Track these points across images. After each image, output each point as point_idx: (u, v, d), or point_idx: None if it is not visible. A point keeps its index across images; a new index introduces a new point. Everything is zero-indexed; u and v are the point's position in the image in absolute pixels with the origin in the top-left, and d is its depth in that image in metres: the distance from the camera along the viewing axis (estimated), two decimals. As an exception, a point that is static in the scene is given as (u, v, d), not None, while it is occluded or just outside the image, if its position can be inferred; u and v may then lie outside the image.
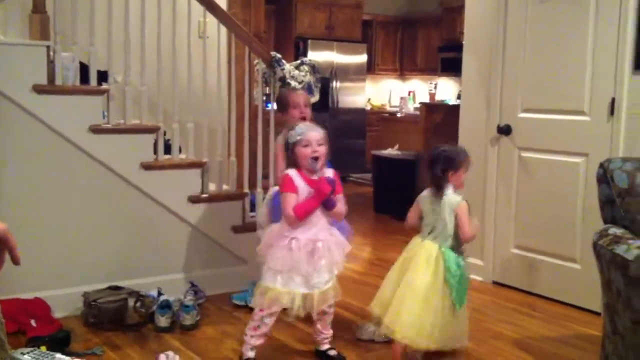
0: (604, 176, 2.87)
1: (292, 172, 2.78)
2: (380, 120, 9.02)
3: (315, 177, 2.78)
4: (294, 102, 3.35)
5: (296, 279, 2.74)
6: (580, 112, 3.72)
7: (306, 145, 2.75)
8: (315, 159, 2.75)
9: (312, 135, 2.77)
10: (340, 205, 2.83)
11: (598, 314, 3.63)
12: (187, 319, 3.34)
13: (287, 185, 2.76)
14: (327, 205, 2.78)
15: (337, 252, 2.83)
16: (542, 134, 3.94)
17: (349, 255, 2.99)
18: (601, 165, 2.91)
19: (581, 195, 3.74)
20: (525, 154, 4.05)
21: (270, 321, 2.84)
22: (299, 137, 2.76)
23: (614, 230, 2.66)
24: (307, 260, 2.73)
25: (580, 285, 3.76)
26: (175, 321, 3.35)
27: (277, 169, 3.25)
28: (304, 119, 3.23)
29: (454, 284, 2.86)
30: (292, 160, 2.81)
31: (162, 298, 3.38)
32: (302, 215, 2.72)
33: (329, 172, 2.83)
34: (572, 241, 3.81)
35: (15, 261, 1.41)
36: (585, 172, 3.69)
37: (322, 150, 2.78)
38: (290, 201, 2.73)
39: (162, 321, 3.30)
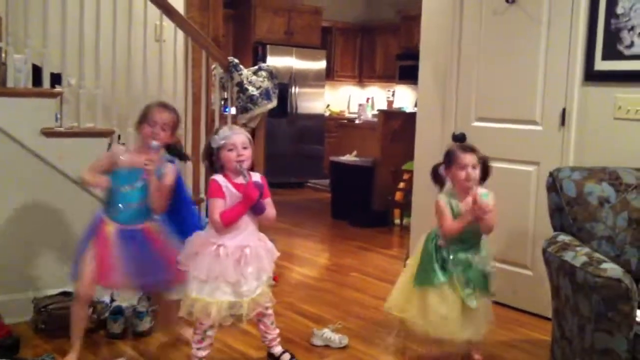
0: (554, 185, 2.94)
1: (219, 178, 2.74)
2: (338, 127, 9.07)
3: (242, 181, 2.74)
4: (151, 120, 2.90)
5: (223, 288, 2.69)
6: (533, 122, 3.80)
7: (231, 149, 2.72)
8: (241, 162, 2.72)
9: (236, 139, 2.73)
10: (270, 209, 2.81)
11: (549, 319, 3.71)
12: (140, 325, 3.30)
13: (215, 190, 2.71)
14: (256, 209, 2.74)
15: (266, 259, 2.81)
16: (495, 143, 4.00)
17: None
18: (551, 174, 2.98)
19: (533, 203, 3.82)
20: (478, 162, 4.11)
21: (213, 333, 2.80)
22: (222, 142, 2.72)
23: (563, 238, 2.74)
24: (235, 267, 2.68)
25: (532, 291, 3.83)
26: (127, 328, 3.31)
27: (89, 168, 2.94)
28: (153, 138, 2.88)
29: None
30: (217, 165, 2.77)
31: (115, 304, 3.34)
32: (228, 221, 2.68)
33: (256, 176, 2.82)
34: (524, 248, 3.88)
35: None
36: (537, 180, 3.77)
37: (248, 153, 2.75)
38: (218, 207, 2.69)
39: (115, 327, 3.25)
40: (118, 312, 3.29)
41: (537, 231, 3.77)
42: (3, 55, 3.34)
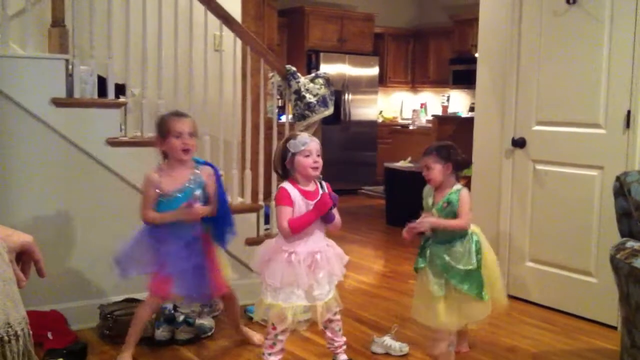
0: (621, 189, 2.87)
1: (287, 185, 2.77)
2: (391, 133, 9.03)
3: (310, 189, 2.78)
4: (176, 131, 2.89)
5: (297, 293, 2.73)
6: (596, 125, 3.71)
7: (307, 155, 2.75)
8: (315, 168, 2.76)
9: (313, 146, 2.77)
10: (337, 217, 2.83)
11: (614, 327, 3.62)
12: (180, 334, 3.35)
13: (283, 198, 2.74)
14: (327, 218, 2.77)
15: (336, 263, 2.83)
16: (557, 147, 3.94)
17: (353, 266, 2.98)
18: (617, 179, 2.91)
19: (597, 208, 3.73)
20: (540, 167, 4.04)
21: (284, 337, 2.83)
22: (302, 147, 2.75)
23: (632, 244, 2.66)
24: (307, 273, 2.72)
25: (596, 298, 3.74)
26: (196, 334, 3.37)
27: (143, 207, 2.96)
28: (187, 150, 2.92)
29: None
30: (289, 170, 2.80)
31: (169, 311, 3.38)
32: (297, 229, 2.70)
33: (323, 184, 2.83)
34: (588, 254, 3.79)
35: (41, 274, 1.43)
36: (601, 185, 3.68)
37: (321, 161, 2.79)
38: (286, 214, 2.72)
39: (158, 334, 3.30)
40: (170, 320, 3.33)
41: (601, 237, 3.68)
42: (70, 67, 3.44)
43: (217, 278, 3.05)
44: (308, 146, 2.75)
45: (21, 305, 1.30)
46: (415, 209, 6.89)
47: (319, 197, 2.75)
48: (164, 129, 2.92)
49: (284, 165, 2.81)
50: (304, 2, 8.89)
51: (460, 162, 3.10)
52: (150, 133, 3.71)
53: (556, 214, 3.95)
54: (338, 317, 2.96)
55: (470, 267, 3.01)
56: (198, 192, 2.97)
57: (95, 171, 3.47)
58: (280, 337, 2.81)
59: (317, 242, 2.78)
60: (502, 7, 4.22)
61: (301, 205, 2.74)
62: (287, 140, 2.81)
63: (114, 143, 3.50)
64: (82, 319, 3.44)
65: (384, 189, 7.33)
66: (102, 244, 3.52)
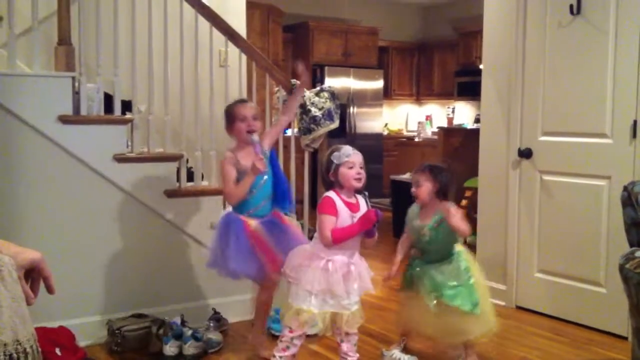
0: (629, 199, 2.86)
1: (333, 195, 2.79)
2: (397, 145, 9.05)
3: (351, 200, 2.80)
4: (241, 115, 3.14)
5: (329, 301, 2.74)
6: (602, 135, 3.71)
7: (351, 167, 2.77)
8: (358, 179, 2.78)
9: (356, 158, 2.80)
10: (376, 234, 2.84)
11: (624, 338, 3.59)
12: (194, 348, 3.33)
13: (328, 207, 2.76)
14: (370, 233, 2.79)
15: (367, 278, 2.85)
16: (563, 157, 3.93)
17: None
18: (625, 188, 2.90)
19: (605, 218, 3.72)
20: (547, 177, 4.03)
21: (299, 342, 2.82)
22: (346, 159, 2.78)
23: (641, 253, 2.64)
24: (342, 282, 2.73)
25: (606, 309, 3.72)
26: (204, 349, 3.36)
27: (227, 184, 3.12)
28: (252, 132, 3.13)
29: None
30: (333, 181, 2.82)
31: (177, 327, 3.37)
32: (339, 240, 2.72)
33: (360, 197, 2.84)
34: (597, 264, 3.77)
35: (50, 291, 1.43)
36: (609, 194, 3.67)
37: (364, 174, 2.81)
38: (329, 223, 2.73)
39: (167, 350, 3.27)
40: (178, 335, 3.31)
41: (610, 247, 3.67)
42: (76, 84, 3.46)
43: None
44: (351, 158, 2.78)
45: (30, 322, 1.30)
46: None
47: (363, 211, 2.76)
48: (230, 115, 3.17)
49: (328, 176, 2.84)
50: (309, 17, 8.94)
51: (446, 186, 3.14)
52: (157, 149, 3.75)
53: (564, 224, 3.94)
54: (356, 330, 2.95)
55: (461, 283, 3.06)
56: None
57: (102, 187, 3.48)
58: (295, 342, 2.81)
59: (353, 255, 2.80)
60: (506, 19, 4.23)
61: (345, 216, 2.76)
62: (332, 152, 2.85)
63: (120, 159, 3.51)
64: (90, 335, 3.44)
65: (390, 202, 7.32)
66: (110, 259, 3.53)
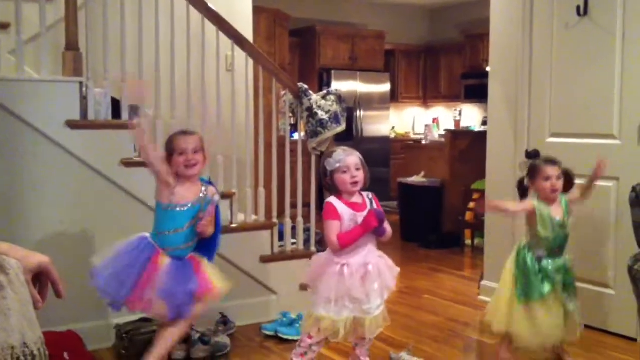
0: (637, 200, 2.85)
1: (334, 200, 2.78)
2: (404, 148, 9.02)
3: (355, 200, 2.78)
4: (179, 148, 2.89)
5: (349, 306, 2.71)
6: (610, 136, 3.70)
7: (345, 172, 2.75)
8: (354, 183, 2.76)
9: (349, 161, 2.76)
10: (389, 229, 2.81)
11: (633, 339, 3.57)
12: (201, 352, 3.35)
13: (330, 212, 2.75)
14: (378, 233, 2.77)
15: (388, 275, 2.82)
16: (571, 159, 3.88)
17: (397, 278, 2.94)
18: (634, 189, 2.90)
19: (613, 219, 3.70)
20: (553, 179, 4.01)
21: (317, 349, 2.81)
22: (338, 165, 2.76)
23: (650, 255, 2.64)
24: (361, 285, 2.70)
25: (615, 310, 3.70)
26: (212, 353, 3.36)
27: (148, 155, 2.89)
28: (190, 166, 2.90)
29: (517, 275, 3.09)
30: (332, 187, 2.81)
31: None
32: (346, 244, 2.71)
33: (366, 195, 2.83)
34: (605, 266, 3.76)
35: (59, 295, 1.43)
36: (617, 196, 3.66)
37: (361, 175, 2.78)
38: (334, 228, 2.72)
39: (174, 353, 3.28)
40: (185, 338, 3.29)
41: (619, 248, 3.65)
42: (84, 89, 3.47)
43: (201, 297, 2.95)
44: (344, 162, 2.75)
45: (37, 325, 1.31)
46: (430, 224, 6.88)
47: (366, 212, 2.74)
48: (169, 147, 2.94)
49: (326, 182, 2.83)
50: (316, 21, 8.96)
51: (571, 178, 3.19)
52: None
53: (572, 225, 3.91)
54: (373, 336, 2.93)
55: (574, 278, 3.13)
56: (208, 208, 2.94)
57: (109, 192, 3.50)
58: (314, 348, 2.80)
59: (369, 254, 2.77)
60: (513, 21, 4.22)
61: (350, 218, 2.74)
62: (325, 158, 2.83)
63: (128, 164, 3.52)
64: (98, 339, 3.44)
65: (398, 205, 7.32)
66: (118, 264, 3.54)
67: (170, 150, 2.92)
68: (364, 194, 2.84)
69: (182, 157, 2.89)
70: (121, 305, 2.93)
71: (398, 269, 2.90)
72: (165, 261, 2.89)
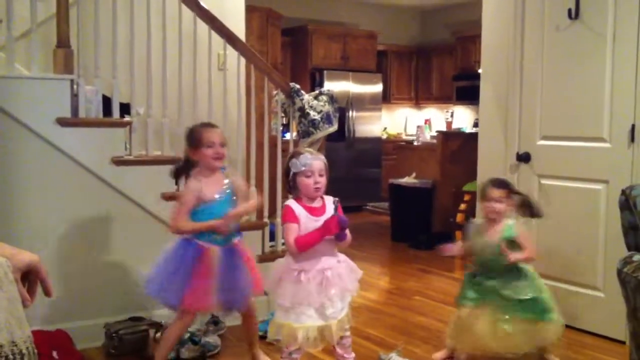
0: (627, 203, 2.86)
1: (292, 203, 2.75)
2: (396, 149, 9.03)
3: (314, 205, 2.75)
4: (208, 141, 2.97)
5: (309, 312, 2.69)
6: (600, 139, 3.71)
7: (309, 176, 2.72)
8: (317, 189, 2.73)
9: (315, 166, 2.73)
10: (349, 236, 2.78)
11: (622, 342, 3.59)
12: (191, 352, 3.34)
13: (288, 215, 2.72)
14: (339, 237, 2.73)
15: (348, 278, 2.79)
16: (561, 161, 3.93)
17: (363, 282, 2.94)
18: (623, 192, 2.90)
19: (602, 222, 3.72)
20: (545, 182, 4.03)
21: (297, 355, 2.80)
22: (303, 168, 2.73)
23: (639, 257, 2.64)
24: (318, 291, 2.68)
25: (604, 313, 3.72)
26: (202, 353, 3.36)
27: (178, 213, 2.96)
28: (218, 159, 3.00)
29: None
30: (293, 189, 2.78)
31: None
32: (303, 247, 2.67)
33: (329, 200, 2.78)
34: (594, 269, 3.77)
35: (48, 294, 1.42)
36: (606, 199, 3.67)
37: (323, 180, 2.75)
38: (292, 231, 2.69)
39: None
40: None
41: (608, 251, 3.67)
42: (75, 87, 3.46)
43: (257, 280, 3.11)
44: (309, 167, 2.72)
45: (26, 324, 1.30)
46: (420, 225, 6.89)
47: (326, 218, 2.69)
48: (196, 139, 2.99)
49: (288, 182, 2.80)
50: (308, 21, 8.95)
51: (530, 204, 3.20)
52: (155, 152, 3.74)
53: (562, 228, 3.93)
54: (348, 333, 2.92)
55: (536, 294, 3.12)
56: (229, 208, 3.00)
57: (100, 190, 3.48)
58: (294, 355, 2.78)
59: (328, 260, 2.74)
60: (504, 23, 4.24)
61: (307, 222, 2.71)
62: (291, 157, 2.79)
63: (118, 162, 3.51)
64: (87, 338, 3.42)
65: (389, 205, 7.33)
66: (107, 262, 3.53)
67: (197, 142, 2.98)
68: (328, 199, 2.79)
69: (210, 149, 2.96)
70: (178, 306, 3.01)
71: (361, 272, 2.87)
72: (216, 253, 2.97)
